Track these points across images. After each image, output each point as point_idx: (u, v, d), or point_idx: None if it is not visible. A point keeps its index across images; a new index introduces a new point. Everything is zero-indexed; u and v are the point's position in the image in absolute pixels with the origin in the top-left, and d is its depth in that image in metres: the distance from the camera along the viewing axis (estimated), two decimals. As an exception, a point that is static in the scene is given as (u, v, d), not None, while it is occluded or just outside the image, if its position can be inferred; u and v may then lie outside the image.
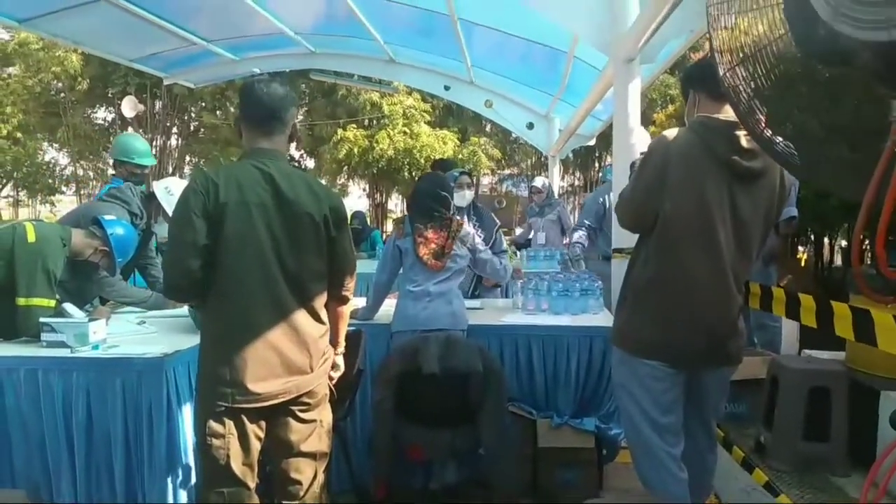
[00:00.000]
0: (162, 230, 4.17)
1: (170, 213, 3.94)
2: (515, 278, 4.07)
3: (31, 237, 2.93)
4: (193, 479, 2.65)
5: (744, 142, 2.19)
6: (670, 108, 13.71)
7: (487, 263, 3.47)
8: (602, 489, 3.32)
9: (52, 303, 2.92)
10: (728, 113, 2.22)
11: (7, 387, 2.62)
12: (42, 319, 2.77)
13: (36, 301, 2.87)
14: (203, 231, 2.05)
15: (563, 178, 17.85)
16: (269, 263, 2.10)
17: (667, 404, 2.31)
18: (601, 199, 5.58)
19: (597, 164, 18.79)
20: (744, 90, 1.58)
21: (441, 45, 7.15)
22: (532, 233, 7.41)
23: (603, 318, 3.46)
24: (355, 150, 14.76)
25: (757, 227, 2.29)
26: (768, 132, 1.63)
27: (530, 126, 8.72)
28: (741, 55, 1.49)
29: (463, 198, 4.30)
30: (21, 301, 2.87)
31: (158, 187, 4.10)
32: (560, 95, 7.53)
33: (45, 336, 2.74)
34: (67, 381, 2.57)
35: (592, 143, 9.43)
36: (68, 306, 2.91)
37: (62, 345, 2.69)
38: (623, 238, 3.90)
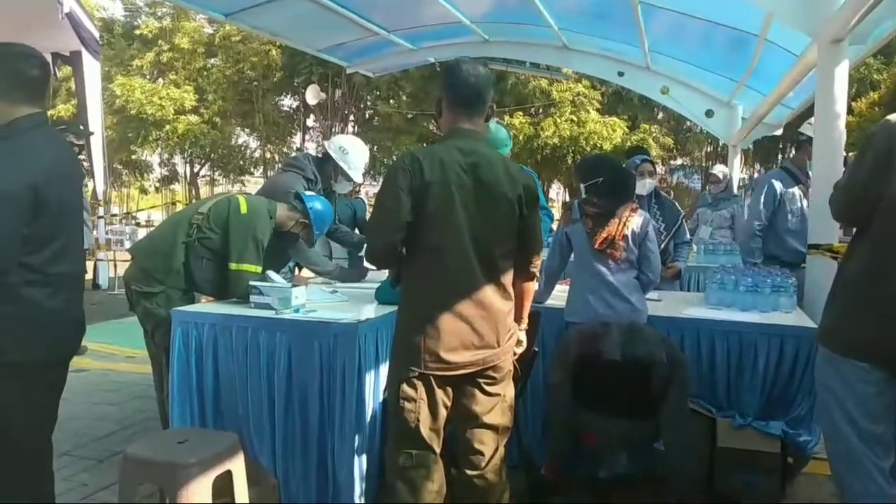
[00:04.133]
0: (341, 188, 4.32)
1: (348, 172, 4.19)
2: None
3: (244, 209, 3.25)
4: (378, 439, 2.81)
5: None
6: (873, 94, 12.36)
7: (652, 260, 3.20)
8: (784, 498, 3.11)
9: (259, 269, 3.21)
10: None
11: (221, 341, 2.94)
12: (251, 283, 3.06)
13: (245, 267, 3.18)
14: (408, 208, 2.14)
15: (741, 171, 16.70)
16: (464, 241, 2.18)
17: (877, 411, 2.11)
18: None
19: (780, 157, 17.41)
20: None
21: (617, 30, 6.96)
22: (698, 225, 6.94)
23: (796, 318, 3.22)
24: (520, 136, 14.77)
25: None
26: None
27: (709, 113, 8.26)
28: None
29: (643, 185, 4.16)
30: (233, 266, 3.19)
31: (332, 147, 4.21)
32: (745, 81, 7.07)
33: (253, 298, 3.03)
34: (272, 339, 2.83)
35: (779, 132, 8.76)
36: (272, 273, 3.20)
37: (268, 307, 2.97)
38: (820, 233, 3.62)
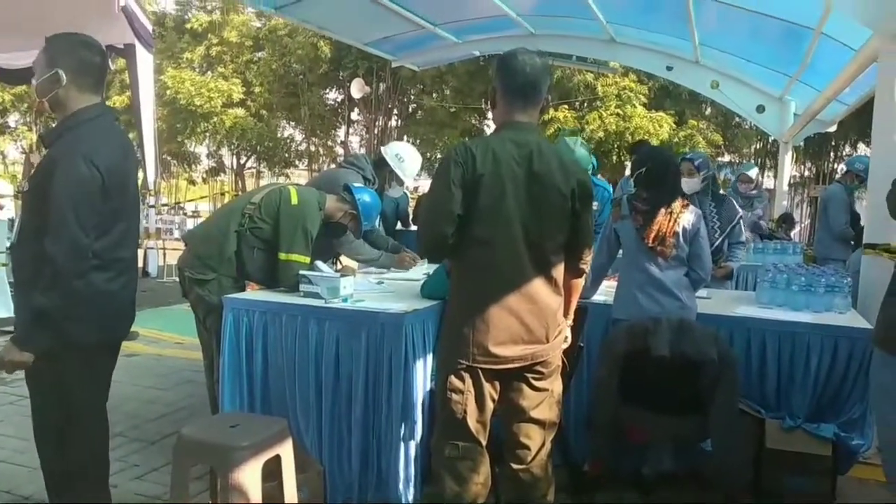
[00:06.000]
0: (394, 192, 4.59)
1: (402, 179, 4.34)
2: None
3: (294, 200, 3.30)
4: (422, 429, 2.82)
5: None
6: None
7: (703, 257, 3.13)
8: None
9: (308, 259, 3.26)
10: None
11: (270, 329, 3.01)
12: (301, 272, 3.11)
13: (294, 257, 3.23)
14: (459, 200, 2.14)
15: (792, 168, 16.23)
16: (516, 235, 2.17)
17: None
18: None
19: (832, 154, 16.89)
20: None
21: (666, 23, 6.86)
22: None
23: (850, 319, 3.14)
24: (565, 129, 14.66)
25: None
26: None
27: (760, 109, 8.08)
28: None
29: (686, 185, 4.11)
30: (282, 256, 3.24)
31: (389, 153, 4.39)
32: (799, 76, 6.90)
33: (302, 287, 3.08)
34: (321, 328, 2.88)
35: (832, 129, 8.53)
36: (320, 263, 3.25)
37: (317, 296, 3.01)
38: (876, 233, 3.53)
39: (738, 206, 4.35)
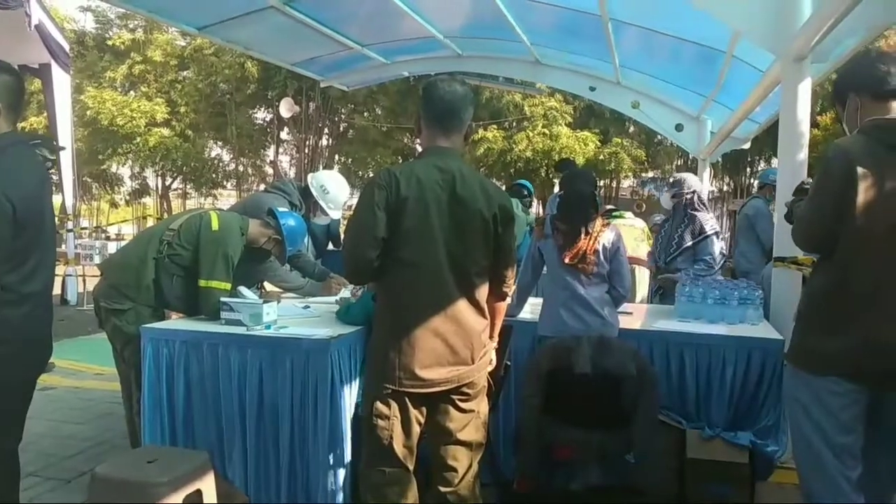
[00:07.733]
0: (319, 221, 4.46)
1: (326, 210, 4.28)
2: None
3: (215, 226, 3.22)
4: (350, 457, 2.78)
5: None
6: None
7: (623, 275, 3.21)
8: (753, 507, 3.16)
9: (228, 286, 3.18)
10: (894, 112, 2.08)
11: (192, 358, 2.91)
12: (222, 299, 3.03)
13: (214, 284, 3.15)
14: (383, 224, 2.16)
15: (711, 183, 16.98)
16: (440, 258, 2.19)
17: (846, 423, 2.13)
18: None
19: (748, 169, 17.74)
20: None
21: (588, 46, 7.05)
22: None
23: (762, 330, 3.28)
24: (494, 148, 14.91)
25: None
26: None
27: (679, 128, 8.39)
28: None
29: (662, 199, 4.53)
30: (202, 283, 3.16)
31: (314, 185, 4.31)
32: (714, 96, 7.21)
33: (224, 314, 3.00)
34: (243, 356, 2.81)
35: (747, 146, 8.94)
36: (243, 289, 3.18)
37: (239, 323, 2.94)
38: (785, 246, 3.70)
39: (707, 227, 4.46)
